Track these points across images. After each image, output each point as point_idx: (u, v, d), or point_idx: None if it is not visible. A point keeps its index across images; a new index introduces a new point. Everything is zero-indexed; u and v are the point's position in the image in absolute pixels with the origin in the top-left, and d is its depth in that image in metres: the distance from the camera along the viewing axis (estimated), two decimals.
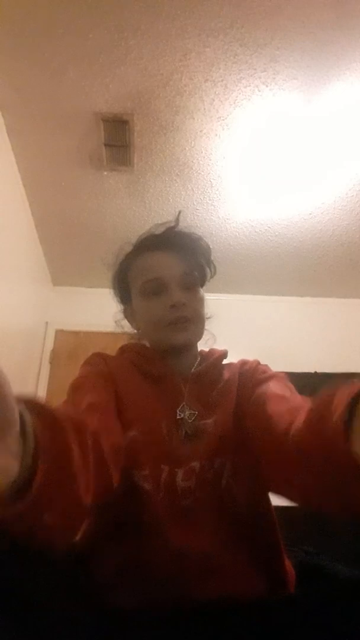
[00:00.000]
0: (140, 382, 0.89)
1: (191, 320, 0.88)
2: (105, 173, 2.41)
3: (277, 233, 2.89)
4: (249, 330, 3.22)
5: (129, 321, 0.99)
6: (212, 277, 0.98)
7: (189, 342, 0.90)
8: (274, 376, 0.86)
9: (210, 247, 0.97)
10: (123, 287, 0.98)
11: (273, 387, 0.81)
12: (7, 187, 2.33)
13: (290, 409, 0.68)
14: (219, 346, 0.99)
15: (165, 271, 0.89)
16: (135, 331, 0.99)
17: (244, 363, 0.96)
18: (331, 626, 0.58)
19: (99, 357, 0.92)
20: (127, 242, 0.98)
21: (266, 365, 0.94)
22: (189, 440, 0.82)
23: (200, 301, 0.92)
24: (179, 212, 0.98)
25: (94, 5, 1.62)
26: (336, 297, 3.61)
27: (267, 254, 3.10)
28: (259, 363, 0.95)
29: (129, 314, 0.99)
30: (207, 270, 0.97)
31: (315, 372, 2.69)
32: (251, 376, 0.89)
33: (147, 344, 0.97)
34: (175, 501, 0.77)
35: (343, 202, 2.59)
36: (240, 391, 0.88)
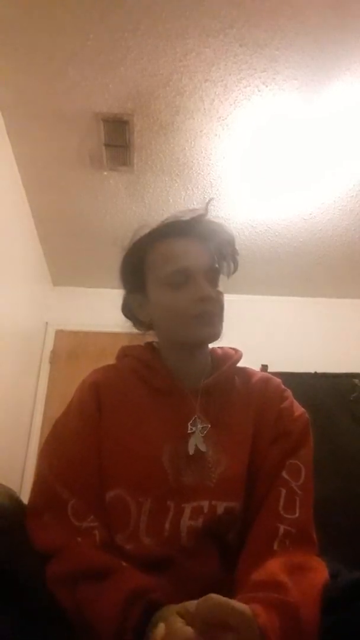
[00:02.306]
0: (142, 398, 0.85)
1: (218, 314, 0.83)
2: (105, 173, 2.41)
3: (277, 233, 2.89)
4: (249, 331, 3.21)
5: (136, 311, 0.92)
6: (233, 272, 0.91)
7: (213, 338, 0.84)
8: (295, 452, 0.80)
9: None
10: (136, 274, 0.89)
11: (283, 490, 0.76)
12: (7, 187, 2.33)
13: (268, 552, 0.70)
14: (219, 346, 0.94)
15: (192, 261, 0.83)
16: (140, 324, 0.93)
17: (265, 382, 0.89)
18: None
19: (91, 387, 0.86)
20: (144, 225, 0.91)
21: (289, 393, 0.88)
22: (197, 468, 0.78)
23: (222, 296, 0.86)
24: (210, 200, 0.92)
25: (94, 5, 1.62)
26: (336, 297, 3.61)
27: (267, 254, 3.10)
28: (283, 391, 0.88)
29: (138, 303, 0.91)
30: (230, 264, 0.90)
31: (315, 372, 2.68)
32: (277, 416, 0.83)
33: (153, 344, 0.92)
34: (175, 545, 0.73)
35: (343, 202, 2.59)
36: (259, 426, 0.82)
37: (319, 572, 0.67)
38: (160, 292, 0.85)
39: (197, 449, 0.78)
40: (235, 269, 0.92)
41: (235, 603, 0.54)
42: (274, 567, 0.66)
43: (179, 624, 0.53)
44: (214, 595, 0.53)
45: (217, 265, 0.87)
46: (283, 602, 0.59)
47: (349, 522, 2.12)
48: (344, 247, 2.98)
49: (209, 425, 0.81)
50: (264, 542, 0.72)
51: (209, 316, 0.82)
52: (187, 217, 0.89)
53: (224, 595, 0.55)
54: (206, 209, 0.90)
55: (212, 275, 0.85)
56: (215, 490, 0.76)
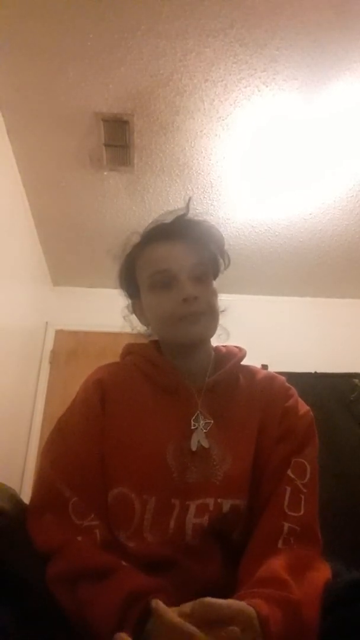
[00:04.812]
0: (146, 395, 0.84)
1: (204, 313, 0.82)
2: (105, 173, 2.41)
3: (277, 233, 2.89)
4: (249, 331, 3.21)
5: (137, 317, 0.94)
6: (226, 267, 0.92)
7: (202, 337, 0.85)
8: (300, 451, 0.79)
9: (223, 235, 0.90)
10: (130, 281, 0.92)
11: (289, 488, 0.75)
12: (7, 187, 2.33)
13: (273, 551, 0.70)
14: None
15: (174, 262, 0.83)
16: (145, 327, 0.94)
17: (270, 380, 0.89)
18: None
19: (95, 384, 0.86)
20: (134, 232, 0.92)
21: (293, 391, 0.88)
22: (202, 466, 0.77)
23: (213, 293, 0.86)
24: (189, 199, 0.91)
25: (94, 5, 1.62)
26: (336, 297, 3.61)
27: (267, 254, 3.10)
28: (288, 389, 0.88)
29: (137, 309, 0.93)
30: (220, 260, 0.90)
31: (315, 372, 2.68)
32: (282, 414, 0.82)
33: (158, 342, 0.93)
34: (180, 543, 0.73)
35: (343, 202, 2.59)
36: (264, 424, 0.82)
37: (321, 571, 0.67)
38: (148, 296, 0.87)
39: (200, 446, 0.78)
40: (228, 264, 0.91)
41: (230, 601, 0.54)
42: (277, 564, 0.66)
43: (177, 618, 0.54)
44: (206, 598, 0.53)
45: (205, 263, 0.86)
46: (286, 599, 0.59)
47: (349, 522, 2.12)
48: (344, 247, 2.98)
49: (212, 421, 0.81)
50: (268, 540, 0.72)
51: (195, 316, 0.81)
52: (168, 220, 0.89)
53: (226, 598, 0.55)
54: (187, 209, 0.89)
55: (199, 274, 0.84)
56: (220, 487, 0.76)
